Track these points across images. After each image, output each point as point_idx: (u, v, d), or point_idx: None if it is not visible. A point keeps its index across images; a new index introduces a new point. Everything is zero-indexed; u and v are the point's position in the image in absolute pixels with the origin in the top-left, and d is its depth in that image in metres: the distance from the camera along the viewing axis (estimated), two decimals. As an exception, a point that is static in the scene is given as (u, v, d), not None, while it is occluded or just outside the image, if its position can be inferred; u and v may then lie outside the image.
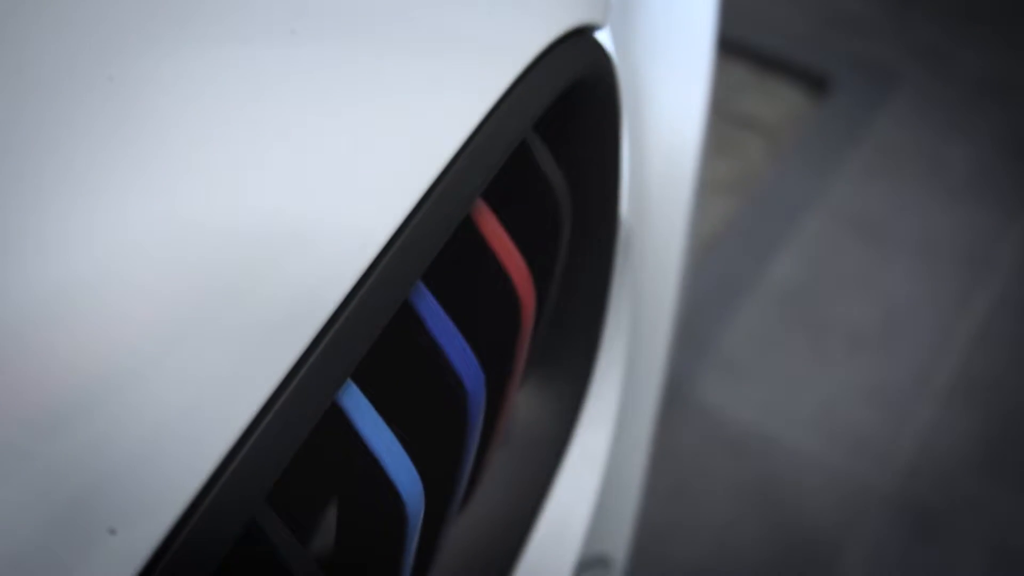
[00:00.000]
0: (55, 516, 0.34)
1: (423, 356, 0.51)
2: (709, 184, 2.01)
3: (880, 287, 1.94)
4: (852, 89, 2.25)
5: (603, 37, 0.59)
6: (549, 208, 0.59)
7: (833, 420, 1.76)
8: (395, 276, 0.47)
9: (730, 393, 1.78)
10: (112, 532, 0.36)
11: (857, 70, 2.29)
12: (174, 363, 0.38)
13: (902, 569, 1.60)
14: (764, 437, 1.73)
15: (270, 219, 0.43)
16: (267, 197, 0.42)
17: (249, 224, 0.43)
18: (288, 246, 0.43)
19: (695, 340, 1.81)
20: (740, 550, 1.61)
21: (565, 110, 0.62)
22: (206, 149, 0.41)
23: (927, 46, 2.37)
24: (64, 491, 0.34)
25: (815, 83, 2.27)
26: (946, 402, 1.79)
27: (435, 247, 0.49)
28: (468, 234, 0.55)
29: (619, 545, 0.94)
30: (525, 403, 0.67)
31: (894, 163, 2.15)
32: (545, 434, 0.65)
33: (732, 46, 2.27)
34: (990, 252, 2.00)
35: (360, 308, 0.46)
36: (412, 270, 0.48)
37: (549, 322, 0.66)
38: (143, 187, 0.39)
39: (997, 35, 2.39)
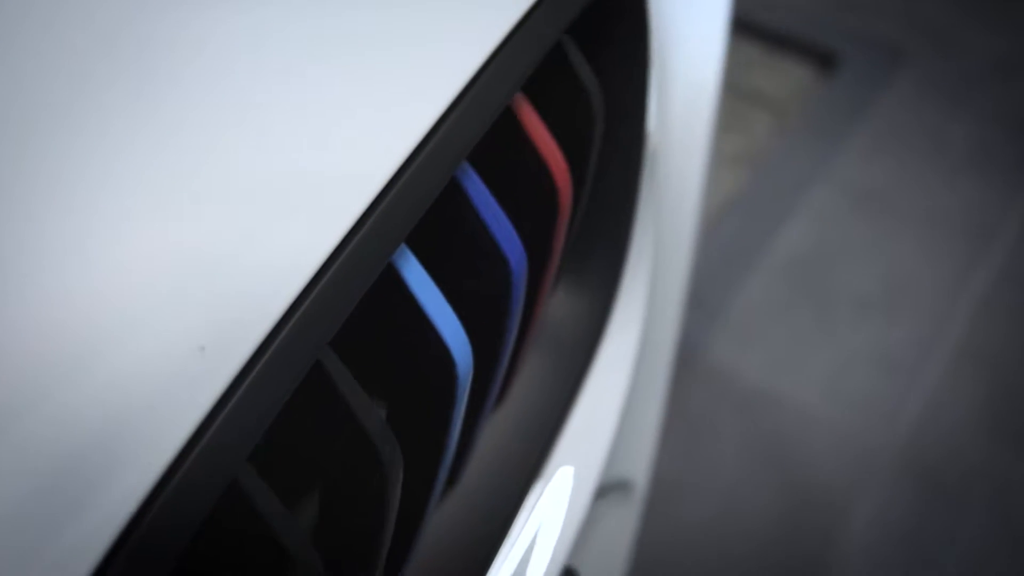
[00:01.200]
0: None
1: (469, 235, 0.54)
2: (717, 157, 2.04)
3: (885, 257, 1.97)
4: (858, 67, 2.28)
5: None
6: (583, 109, 0.62)
7: (840, 383, 1.78)
8: (443, 153, 0.49)
9: (739, 356, 1.80)
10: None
11: (863, 48, 2.32)
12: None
13: (907, 526, 1.62)
14: (772, 398, 1.75)
15: (328, 104, 0.45)
16: (329, 87, 0.45)
17: (306, 107, 0.45)
18: (341, 129, 0.46)
19: (705, 305, 1.84)
20: (749, 506, 1.64)
21: (598, 21, 0.65)
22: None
23: (932, 25, 2.39)
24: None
25: (822, 61, 2.29)
26: (951, 367, 1.81)
27: (479, 131, 0.52)
28: (510, 129, 0.58)
29: (640, 469, 0.96)
30: (557, 307, 0.69)
31: (899, 138, 2.17)
32: (577, 335, 0.68)
33: (741, 24, 2.29)
34: (993, 224, 2.02)
35: (411, 181, 0.48)
36: (459, 150, 0.51)
37: (580, 228, 0.69)
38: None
39: (1001, 16, 2.41)
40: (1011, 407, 1.76)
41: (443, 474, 0.55)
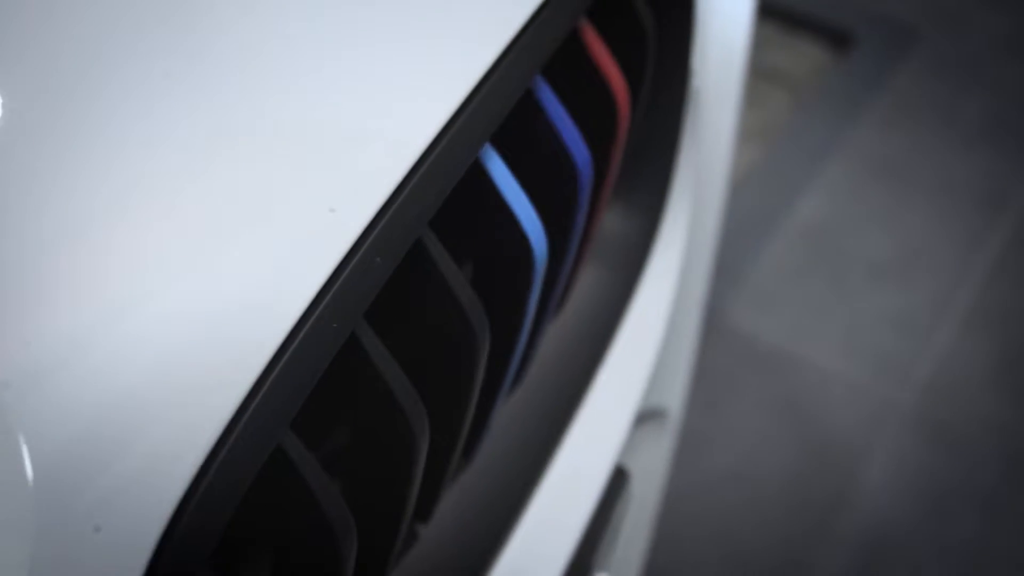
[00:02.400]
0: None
1: (543, 139, 0.59)
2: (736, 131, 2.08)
3: (899, 224, 2.01)
4: (872, 45, 2.32)
5: None
6: (640, 40, 0.67)
7: (856, 343, 1.83)
8: (520, 64, 0.55)
9: (759, 318, 1.85)
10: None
11: (877, 27, 2.36)
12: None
13: (921, 478, 1.67)
14: (792, 357, 1.80)
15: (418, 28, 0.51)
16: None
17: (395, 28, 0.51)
18: (443, 30, 0.51)
19: (726, 271, 1.89)
20: (769, 458, 1.69)
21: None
22: None
23: (945, 6, 2.43)
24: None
25: (837, 40, 2.34)
26: (963, 328, 1.86)
27: (552, 45, 0.57)
28: (579, 52, 0.63)
29: (675, 398, 1.01)
30: (610, 224, 0.74)
31: (912, 114, 2.22)
32: (627, 251, 0.73)
33: (759, 4, 2.34)
34: (1005, 193, 2.07)
35: (495, 87, 0.53)
36: (533, 61, 0.56)
37: (632, 152, 0.74)
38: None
39: (1011, -3, 2.46)
40: (1020, 364, 1.80)
41: (514, 365, 0.60)
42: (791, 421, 1.73)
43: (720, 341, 1.81)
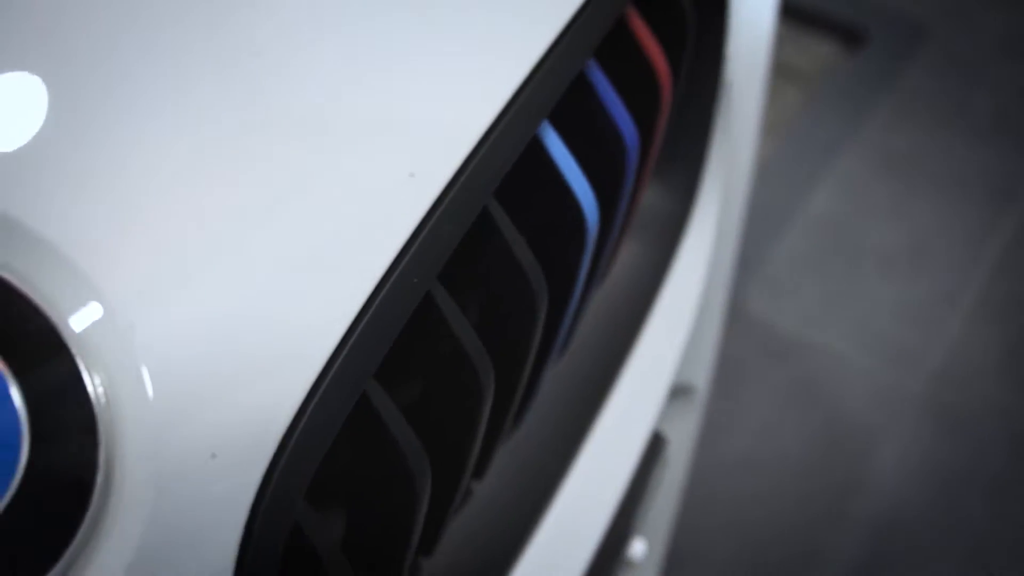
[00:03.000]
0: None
1: (593, 117, 0.62)
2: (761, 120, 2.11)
3: (910, 216, 2.04)
4: (883, 42, 2.35)
5: None
6: (680, 24, 0.70)
7: (868, 332, 1.86)
8: (575, 46, 0.58)
9: (774, 307, 1.88)
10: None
11: (888, 25, 2.39)
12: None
13: (931, 462, 1.70)
14: (805, 345, 1.84)
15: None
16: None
17: None
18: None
19: (741, 261, 1.92)
20: (783, 443, 1.72)
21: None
22: None
23: (955, 4, 2.46)
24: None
25: (848, 37, 2.37)
26: (972, 318, 1.89)
27: (603, 28, 0.60)
28: (624, 35, 0.66)
29: (701, 375, 1.05)
30: (649, 201, 0.78)
31: (922, 109, 2.25)
32: (666, 223, 0.76)
33: (771, 3, 2.37)
34: (1013, 187, 2.09)
35: (552, 68, 0.57)
36: (587, 44, 0.59)
37: (670, 134, 0.77)
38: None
39: (1018, -4, 2.49)
40: (1029, 354, 1.84)
41: (565, 330, 0.64)
42: (804, 407, 1.77)
43: (735, 329, 1.84)
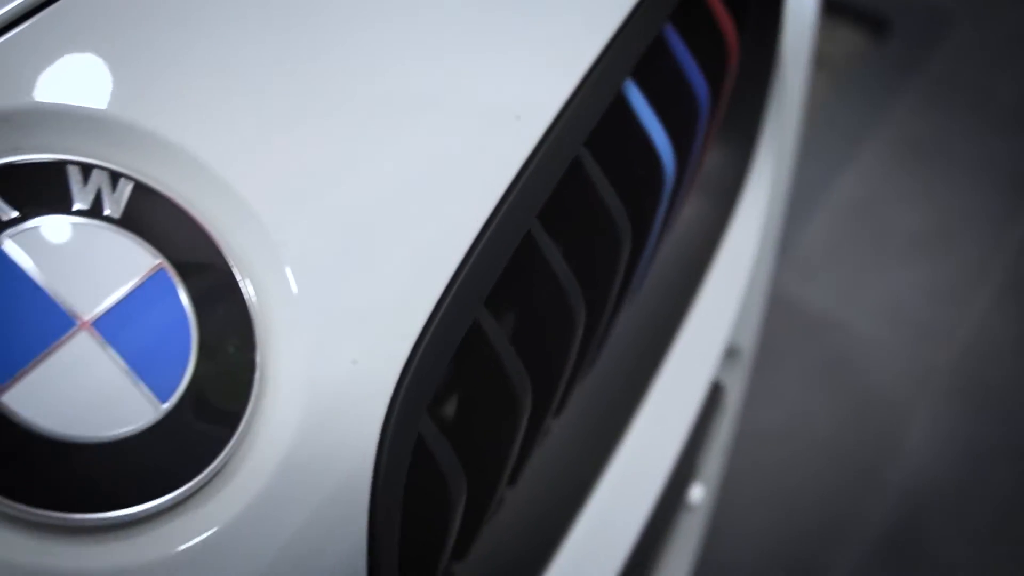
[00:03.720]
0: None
1: (670, 77, 0.66)
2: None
3: (936, 200, 2.07)
4: (909, 30, 2.37)
5: None
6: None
7: (896, 310, 1.89)
8: (655, 11, 0.61)
9: (804, 287, 1.91)
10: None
11: (914, 14, 2.41)
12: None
13: (959, 435, 1.73)
14: (835, 323, 1.86)
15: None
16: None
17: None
18: None
19: (771, 242, 1.94)
20: (815, 416, 1.75)
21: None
22: None
23: (977, -6, 2.49)
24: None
25: (875, 25, 2.39)
26: (997, 297, 1.91)
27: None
28: (695, 4, 0.70)
29: (748, 337, 1.08)
30: (712, 158, 0.81)
31: (948, 96, 2.27)
32: (728, 178, 0.80)
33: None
34: (1037, 171, 2.12)
35: (635, 29, 0.60)
36: (665, 8, 0.62)
37: (733, 96, 0.80)
38: None
39: (1041, -14, 2.50)
40: (1055, 333, 1.86)
41: (642, 270, 0.67)
42: (835, 382, 1.79)
43: (767, 306, 1.86)
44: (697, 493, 0.85)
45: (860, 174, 2.11)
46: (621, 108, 0.61)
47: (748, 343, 1.09)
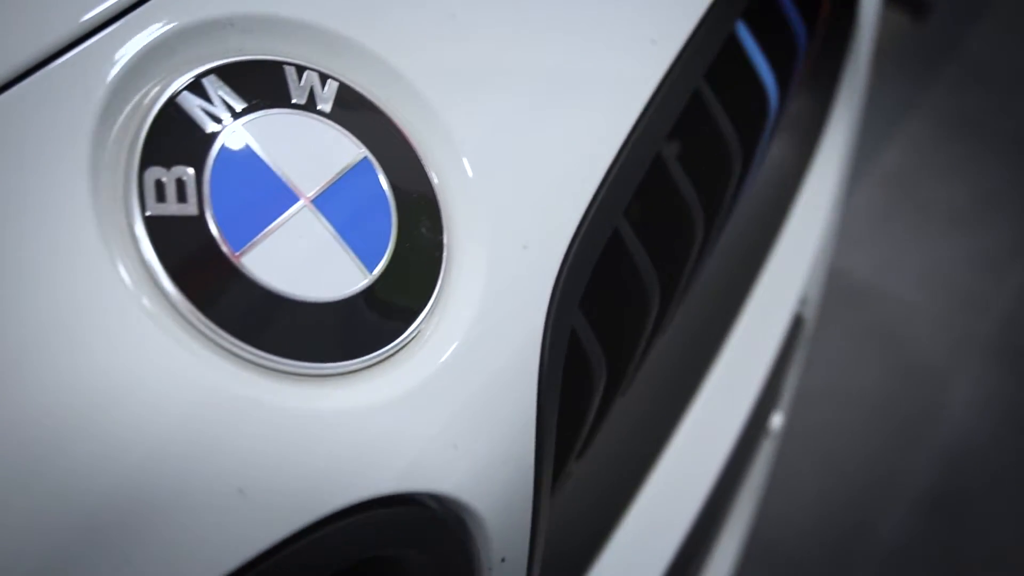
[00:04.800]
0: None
1: (773, 14, 0.70)
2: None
3: (975, 174, 2.10)
4: (948, 11, 2.40)
5: None
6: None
7: (937, 279, 1.92)
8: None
9: (847, 256, 1.95)
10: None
11: (953, -4, 2.44)
12: None
13: (1000, 399, 1.76)
14: (878, 291, 1.90)
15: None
16: None
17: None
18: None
19: (816, 213, 1.98)
20: (859, 379, 1.79)
21: None
22: None
23: (1016, -23, 2.51)
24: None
25: (915, 6, 2.42)
26: (1037, 268, 1.94)
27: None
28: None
29: (812, 306, 1.11)
30: (798, 102, 0.85)
31: (985, 75, 2.30)
32: (811, 121, 0.84)
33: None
34: (1075, 148, 2.14)
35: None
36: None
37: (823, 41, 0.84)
38: None
39: (1078, -30, 2.52)
40: (1092, 303, 1.89)
41: (743, 193, 0.71)
42: (879, 347, 1.83)
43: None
44: (777, 421, 0.89)
45: (901, 149, 2.15)
46: (733, 44, 0.65)
47: (812, 311, 1.13)
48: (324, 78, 0.46)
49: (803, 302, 0.88)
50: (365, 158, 0.46)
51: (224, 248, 0.41)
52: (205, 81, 0.44)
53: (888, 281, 1.93)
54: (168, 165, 0.42)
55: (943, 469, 1.68)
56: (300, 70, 0.46)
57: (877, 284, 1.92)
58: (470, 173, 0.48)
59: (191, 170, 0.42)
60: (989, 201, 2.06)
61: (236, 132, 0.43)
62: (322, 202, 0.44)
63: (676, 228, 0.60)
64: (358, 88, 0.47)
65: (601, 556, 0.70)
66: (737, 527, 0.96)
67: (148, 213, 0.41)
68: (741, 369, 0.79)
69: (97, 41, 0.42)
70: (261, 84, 0.45)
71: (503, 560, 0.49)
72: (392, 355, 0.44)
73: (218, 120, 0.43)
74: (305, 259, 0.43)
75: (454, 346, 0.45)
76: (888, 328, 1.86)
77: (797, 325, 0.85)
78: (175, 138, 0.42)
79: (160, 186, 0.41)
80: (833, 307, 1.87)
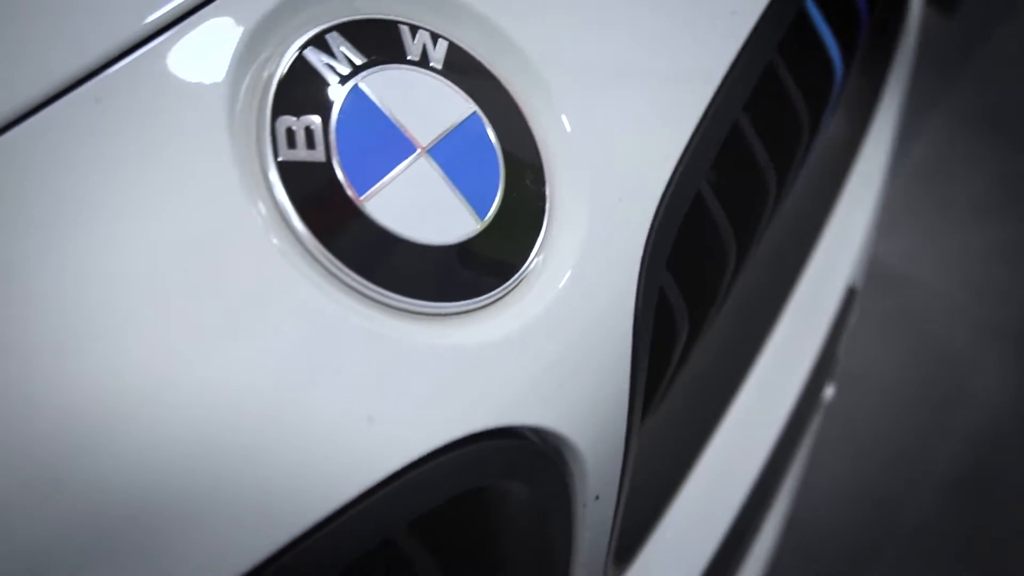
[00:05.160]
0: None
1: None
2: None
3: (1000, 167, 2.11)
4: (976, 6, 2.41)
5: None
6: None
7: (962, 269, 1.94)
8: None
9: (877, 242, 1.96)
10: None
11: (979, -9, 2.45)
12: None
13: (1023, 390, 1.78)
14: (903, 278, 1.92)
15: None
16: None
17: None
18: None
19: (845, 203, 2.00)
20: (886, 363, 1.80)
21: None
22: None
23: (1042, -28, 2.52)
24: None
25: (942, 1, 2.43)
26: (1064, 258, 1.96)
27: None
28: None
29: (861, 277, 1.13)
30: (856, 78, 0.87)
31: (1012, 69, 2.31)
32: (867, 94, 0.86)
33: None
34: (1101, 141, 2.15)
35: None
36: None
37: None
38: None
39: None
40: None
41: (807, 155, 0.74)
42: (905, 333, 1.85)
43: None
44: (829, 392, 0.91)
45: (928, 141, 2.16)
46: (803, 18, 0.67)
47: (861, 282, 1.15)
48: (435, 37, 0.48)
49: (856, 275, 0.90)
50: (474, 113, 0.48)
51: (349, 192, 0.44)
52: (328, 38, 0.46)
53: (912, 269, 1.94)
54: (297, 114, 0.44)
55: (971, 453, 1.69)
56: (413, 29, 0.48)
57: (901, 272, 1.93)
58: (568, 129, 0.50)
59: (318, 119, 0.44)
60: (1013, 194, 2.07)
61: (358, 85, 0.45)
62: (437, 152, 0.46)
63: (751, 191, 0.62)
64: (465, 47, 0.49)
65: (668, 511, 0.72)
66: (783, 498, 0.98)
67: (280, 158, 0.43)
68: (799, 337, 0.81)
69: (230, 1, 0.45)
70: (378, 41, 0.47)
71: (597, 498, 0.51)
72: (501, 298, 0.47)
73: (341, 74, 0.45)
74: (422, 205, 0.45)
75: (558, 289, 0.48)
76: (912, 314, 1.87)
77: (851, 296, 0.87)
78: (303, 90, 0.45)
79: (291, 134, 0.44)
80: (862, 291, 1.89)
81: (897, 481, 1.67)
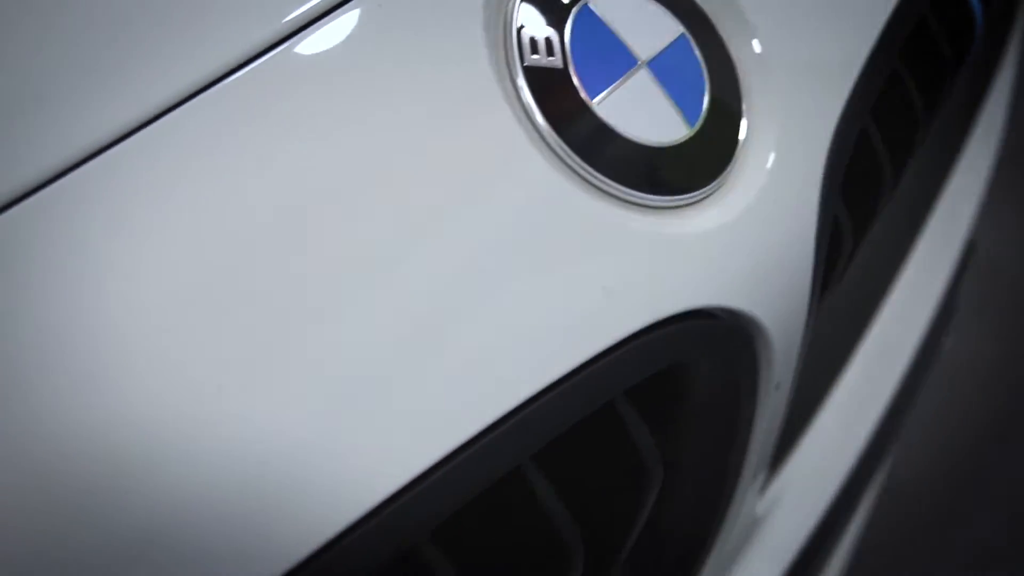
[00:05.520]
0: None
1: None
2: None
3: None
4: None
5: None
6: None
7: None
8: None
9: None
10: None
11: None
12: None
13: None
14: (993, 266, 1.94)
15: None
16: None
17: None
18: None
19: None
20: (971, 346, 1.83)
21: None
22: None
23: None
24: None
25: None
26: None
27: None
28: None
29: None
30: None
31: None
32: (990, 54, 0.90)
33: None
34: None
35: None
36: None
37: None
38: None
39: None
40: None
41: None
42: (990, 317, 1.88)
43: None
44: (947, 342, 0.95)
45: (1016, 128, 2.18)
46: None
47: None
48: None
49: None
50: (683, 34, 0.54)
51: (583, 95, 0.50)
52: (560, -37, 0.52)
53: (1003, 256, 1.97)
54: (537, 28, 0.50)
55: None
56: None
57: (992, 258, 1.96)
58: (759, 51, 0.56)
59: (555, 31, 0.50)
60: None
61: (587, 4, 0.51)
62: (655, 66, 0.52)
63: (906, 127, 0.67)
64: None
65: (806, 433, 0.77)
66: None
67: (526, 63, 0.49)
68: (923, 284, 0.86)
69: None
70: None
71: (777, 386, 0.57)
72: (710, 195, 0.52)
73: (571, -6, 0.52)
74: (643, 111, 0.51)
75: (756, 190, 0.53)
76: (1002, 300, 1.90)
77: (970, 249, 0.91)
78: (541, 7, 0.51)
79: (534, 42, 0.50)
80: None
81: (985, 453, 1.70)
